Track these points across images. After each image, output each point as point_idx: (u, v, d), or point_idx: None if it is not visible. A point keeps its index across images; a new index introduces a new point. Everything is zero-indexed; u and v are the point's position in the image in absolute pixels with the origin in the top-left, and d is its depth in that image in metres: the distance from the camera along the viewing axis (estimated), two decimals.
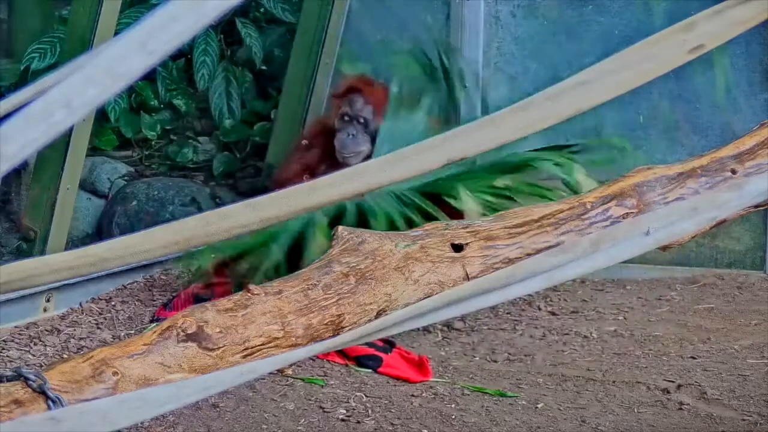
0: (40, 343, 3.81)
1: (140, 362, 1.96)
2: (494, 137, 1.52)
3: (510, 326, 4.23)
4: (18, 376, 1.84)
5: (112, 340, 3.88)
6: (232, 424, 3.22)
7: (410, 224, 3.84)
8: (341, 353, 3.75)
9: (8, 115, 1.27)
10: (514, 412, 3.38)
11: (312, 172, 4.38)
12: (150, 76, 4.92)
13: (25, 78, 4.51)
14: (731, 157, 2.65)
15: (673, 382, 3.61)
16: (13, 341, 3.81)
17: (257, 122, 5.20)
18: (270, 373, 3.51)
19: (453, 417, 3.31)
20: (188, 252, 4.63)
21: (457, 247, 2.42)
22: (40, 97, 1.21)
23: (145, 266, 4.57)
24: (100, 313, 4.15)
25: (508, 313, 4.37)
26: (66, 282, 3.94)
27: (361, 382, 3.61)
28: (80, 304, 4.22)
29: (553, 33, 5.03)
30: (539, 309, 4.43)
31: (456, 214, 4.00)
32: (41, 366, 3.51)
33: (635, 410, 3.39)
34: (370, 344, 3.73)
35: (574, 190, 4.53)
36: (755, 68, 4.98)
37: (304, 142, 4.57)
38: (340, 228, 2.41)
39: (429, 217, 3.87)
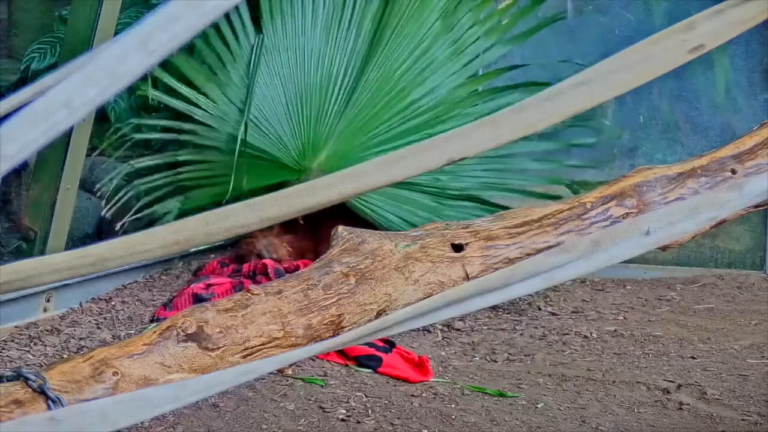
0: (40, 343, 3.81)
1: (140, 362, 1.96)
2: (494, 137, 1.52)
3: (510, 326, 4.23)
4: (18, 376, 1.84)
5: (112, 340, 3.88)
6: (232, 424, 3.22)
7: None
8: (341, 353, 3.75)
9: (8, 115, 1.27)
10: (514, 412, 3.38)
11: None
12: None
13: (25, 78, 4.51)
14: (731, 157, 2.65)
15: (673, 382, 3.61)
16: (13, 341, 3.81)
17: None
18: (270, 373, 3.51)
19: (453, 417, 3.31)
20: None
21: (457, 247, 2.42)
22: (40, 97, 1.21)
23: (145, 266, 4.58)
24: (100, 313, 4.15)
25: (508, 313, 4.38)
26: (66, 282, 3.94)
27: (361, 382, 3.61)
28: (80, 304, 4.22)
29: (553, 33, 5.04)
30: (539, 309, 4.43)
31: None
32: (41, 366, 3.51)
33: (635, 410, 3.39)
34: (370, 344, 3.73)
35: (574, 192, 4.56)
36: (755, 68, 4.99)
37: None
38: (340, 228, 2.42)
39: None
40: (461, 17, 4.89)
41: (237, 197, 4.82)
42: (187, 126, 4.87)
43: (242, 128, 4.71)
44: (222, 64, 4.86)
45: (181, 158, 4.89)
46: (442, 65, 4.89)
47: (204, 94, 4.85)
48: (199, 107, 4.84)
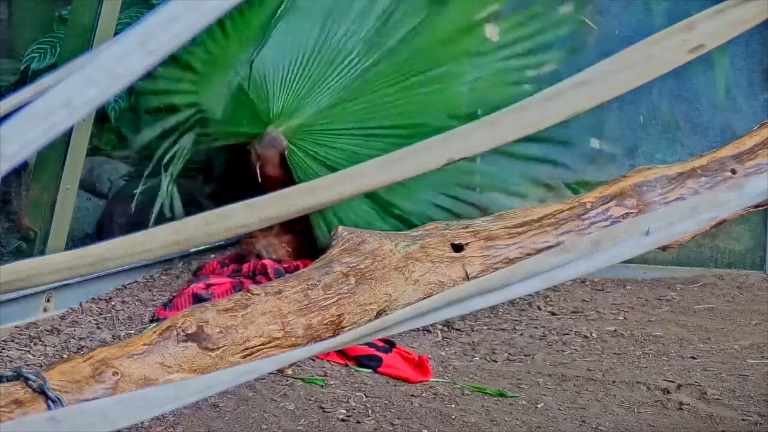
0: (40, 343, 3.81)
1: (140, 362, 1.96)
2: (493, 138, 1.52)
3: (510, 326, 4.23)
4: (18, 376, 1.84)
5: (112, 340, 3.88)
6: (232, 424, 3.22)
7: None
8: (341, 353, 3.75)
9: (8, 115, 1.27)
10: (514, 412, 3.38)
11: None
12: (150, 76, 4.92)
13: (25, 78, 4.51)
14: (731, 157, 2.66)
15: (673, 382, 3.61)
16: (13, 341, 3.81)
17: None
18: (270, 373, 3.51)
19: (453, 417, 3.31)
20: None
21: (457, 247, 2.43)
22: (40, 97, 1.21)
23: (145, 266, 4.58)
24: (100, 313, 4.15)
25: (508, 313, 4.37)
26: (66, 282, 3.94)
27: (361, 382, 3.61)
28: (80, 304, 4.22)
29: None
30: (539, 309, 4.43)
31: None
32: (41, 366, 3.51)
33: (635, 410, 3.39)
34: (370, 344, 3.73)
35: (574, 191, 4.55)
36: (755, 68, 4.99)
37: None
38: (340, 228, 2.42)
39: None
40: (490, 62, 4.81)
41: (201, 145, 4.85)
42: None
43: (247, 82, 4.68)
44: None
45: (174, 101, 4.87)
46: (454, 94, 4.79)
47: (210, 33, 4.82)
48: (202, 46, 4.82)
